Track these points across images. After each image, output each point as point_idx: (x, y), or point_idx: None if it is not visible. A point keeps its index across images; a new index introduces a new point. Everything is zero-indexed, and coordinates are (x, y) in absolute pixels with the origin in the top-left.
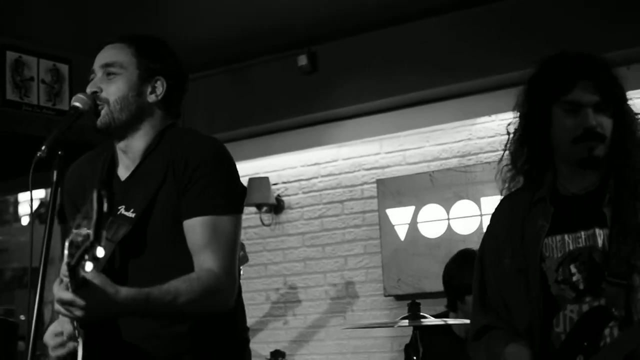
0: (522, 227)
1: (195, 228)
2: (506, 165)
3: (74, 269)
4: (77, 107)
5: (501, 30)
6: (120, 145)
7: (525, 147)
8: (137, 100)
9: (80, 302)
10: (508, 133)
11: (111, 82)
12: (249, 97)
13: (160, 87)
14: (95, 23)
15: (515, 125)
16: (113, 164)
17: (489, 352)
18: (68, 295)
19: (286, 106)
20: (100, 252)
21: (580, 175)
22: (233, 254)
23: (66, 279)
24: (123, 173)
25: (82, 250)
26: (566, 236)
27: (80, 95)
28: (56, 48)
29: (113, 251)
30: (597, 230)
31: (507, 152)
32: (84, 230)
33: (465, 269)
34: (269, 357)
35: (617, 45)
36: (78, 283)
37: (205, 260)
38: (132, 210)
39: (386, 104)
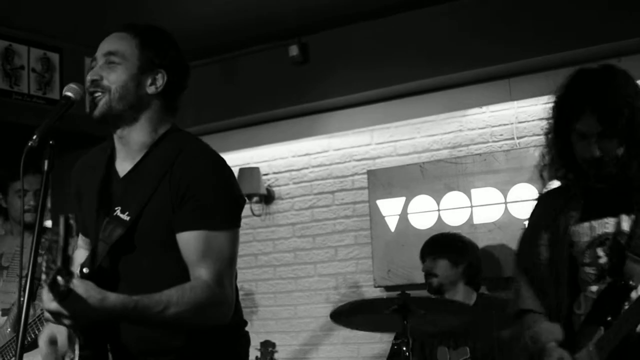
0: (556, 222)
1: (189, 242)
2: (544, 166)
3: (51, 285)
4: (68, 97)
5: (492, 21)
6: (118, 133)
7: (560, 158)
8: (137, 90)
9: (65, 312)
10: (546, 135)
11: (111, 71)
12: (240, 87)
13: (160, 80)
14: (86, 12)
15: (549, 130)
16: (112, 158)
17: (526, 330)
18: (54, 306)
19: (277, 96)
20: (69, 275)
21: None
22: (229, 269)
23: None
24: (122, 168)
25: (55, 273)
26: (594, 222)
27: (72, 85)
28: (47, 37)
29: (108, 252)
30: (624, 216)
31: (544, 155)
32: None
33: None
34: (259, 347)
35: (615, 37)
36: (61, 295)
37: (201, 274)
38: (127, 213)
39: (377, 94)
